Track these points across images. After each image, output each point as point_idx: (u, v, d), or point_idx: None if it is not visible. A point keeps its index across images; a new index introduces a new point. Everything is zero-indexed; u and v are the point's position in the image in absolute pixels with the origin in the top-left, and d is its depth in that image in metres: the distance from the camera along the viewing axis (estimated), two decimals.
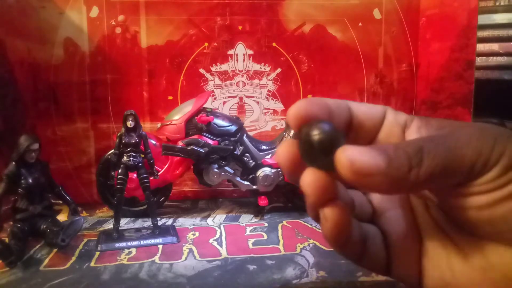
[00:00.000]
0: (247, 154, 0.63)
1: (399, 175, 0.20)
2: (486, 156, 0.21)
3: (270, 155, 0.63)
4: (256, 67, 0.72)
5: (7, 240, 0.48)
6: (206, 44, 0.70)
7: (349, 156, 0.20)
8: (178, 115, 0.61)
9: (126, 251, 0.51)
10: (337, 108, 0.25)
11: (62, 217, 0.62)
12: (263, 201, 0.64)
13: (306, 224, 0.60)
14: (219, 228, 0.59)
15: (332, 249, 0.50)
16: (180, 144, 0.60)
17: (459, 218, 0.23)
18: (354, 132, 0.26)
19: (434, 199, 0.25)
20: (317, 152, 0.20)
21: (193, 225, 0.60)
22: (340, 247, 0.25)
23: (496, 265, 0.23)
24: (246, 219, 0.63)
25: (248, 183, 0.63)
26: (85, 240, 0.54)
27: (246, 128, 0.66)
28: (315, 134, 0.20)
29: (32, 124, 0.67)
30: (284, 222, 0.61)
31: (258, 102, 0.73)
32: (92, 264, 0.48)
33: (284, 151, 0.23)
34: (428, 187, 0.24)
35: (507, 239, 0.22)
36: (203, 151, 0.59)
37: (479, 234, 0.23)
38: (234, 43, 0.71)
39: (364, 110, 0.26)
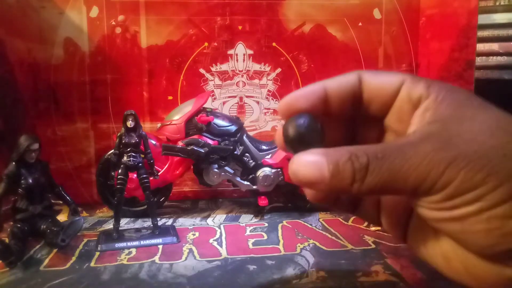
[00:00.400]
0: (247, 154, 0.63)
1: (342, 186, 0.22)
2: (432, 181, 0.21)
3: (270, 155, 0.63)
4: (256, 67, 0.72)
5: (7, 240, 0.48)
6: (206, 44, 0.70)
7: (293, 168, 0.22)
8: (178, 115, 0.61)
9: (126, 251, 0.51)
10: (338, 87, 0.25)
11: (62, 217, 0.62)
12: (263, 201, 0.64)
13: (306, 224, 0.60)
14: (219, 228, 0.59)
15: (332, 249, 0.51)
16: (180, 144, 0.60)
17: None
18: (365, 106, 0.26)
19: None
20: (288, 146, 0.24)
21: (193, 225, 0.60)
22: (328, 207, 0.27)
23: (453, 256, 0.24)
24: (246, 219, 0.63)
25: (248, 183, 0.63)
26: (85, 240, 0.54)
27: (246, 128, 0.66)
28: (287, 134, 0.24)
29: (32, 124, 0.67)
30: (284, 222, 0.61)
31: (258, 102, 0.73)
32: (92, 264, 0.47)
33: (278, 135, 0.26)
34: (372, 196, 0.26)
35: (459, 243, 0.23)
36: (203, 151, 0.59)
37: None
38: (234, 43, 0.71)
39: (377, 83, 0.26)
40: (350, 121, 0.28)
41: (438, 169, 0.20)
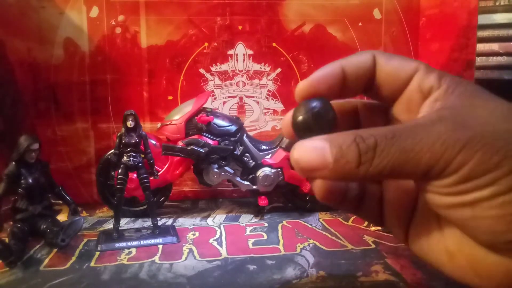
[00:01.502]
0: (247, 154, 0.63)
1: (347, 170, 0.21)
2: (446, 163, 0.20)
3: (270, 155, 0.63)
4: (256, 67, 0.72)
5: (7, 240, 0.48)
6: (206, 44, 0.70)
7: (294, 156, 0.22)
8: (178, 115, 0.61)
9: (126, 251, 0.51)
10: (355, 69, 0.25)
11: (62, 217, 0.61)
12: (263, 201, 0.64)
13: (306, 224, 0.60)
14: (219, 228, 0.59)
15: (332, 249, 0.51)
16: (180, 144, 0.60)
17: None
18: (375, 90, 0.25)
19: None
20: (295, 132, 0.23)
21: (193, 225, 0.60)
22: (334, 206, 0.26)
23: (457, 252, 0.23)
24: (246, 219, 0.63)
25: (248, 183, 0.63)
26: (85, 240, 0.54)
27: (246, 128, 0.66)
28: (296, 118, 0.23)
29: (32, 124, 0.67)
30: (284, 222, 0.61)
31: (258, 102, 0.73)
32: (92, 264, 0.47)
33: (285, 122, 0.26)
34: (381, 180, 0.25)
35: (467, 232, 0.22)
36: (203, 151, 0.59)
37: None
38: (234, 43, 0.71)
39: (390, 68, 0.25)
40: (356, 107, 0.27)
41: (453, 149, 0.20)
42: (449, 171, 0.20)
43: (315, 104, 0.23)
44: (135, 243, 0.53)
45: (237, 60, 0.71)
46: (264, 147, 0.64)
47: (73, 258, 0.49)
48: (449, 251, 0.24)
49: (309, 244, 0.52)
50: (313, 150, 0.21)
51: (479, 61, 0.83)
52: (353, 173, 0.21)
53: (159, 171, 0.61)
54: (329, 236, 0.55)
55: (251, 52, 0.71)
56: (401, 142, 0.20)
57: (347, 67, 0.25)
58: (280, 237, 0.55)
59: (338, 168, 0.21)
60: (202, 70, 0.71)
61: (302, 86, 0.25)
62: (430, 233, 0.25)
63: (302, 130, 0.22)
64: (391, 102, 0.26)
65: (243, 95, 0.72)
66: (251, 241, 0.54)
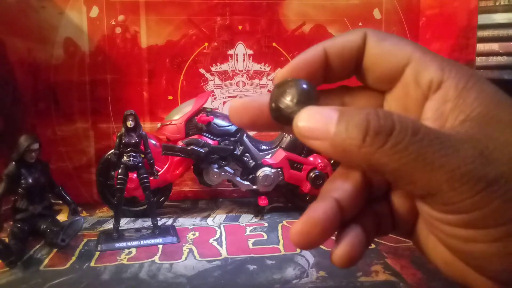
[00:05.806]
0: (247, 154, 0.63)
1: (347, 147, 0.17)
2: (457, 198, 0.17)
3: (270, 155, 0.63)
4: (256, 67, 0.72)
5: (7, 240, 0.48)
6: (206, 44, 0.70)
7: (296, 119, 0.18)
8: (178, 115, 0.61)
9: (126, 251, 0.51)
10: (341, 51, 0.21)
11: (62, 217, 0.62)
12: (263, 201, 0.64)
13: None
14: (219, 228, 0.59)
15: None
16: (180, 144, 0.60)
17: None
18: (363, 75, 0.22)
19: None
20: (272, 108, 0.20)
21: (193, 225, 0.60)
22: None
23: (452, 263, 0.21)
24: (246, 219, 0.63)
25: (248, 183, 0.63)
26: (85, 240, 0.54)
27: None
28: (274, 93, 0.20)
29: (32, 124, 0.67)
30: (284, 222, 0.61)
31: None
32: (92, 264, 0.48)
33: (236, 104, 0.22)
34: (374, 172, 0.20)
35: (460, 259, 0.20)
36: (203, 151, 0.59)
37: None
38: (234, 43, 0.71)
39: (378, 53, 0.21)
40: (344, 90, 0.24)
41: (473, 188, 0.16)
42: (454, 209, 0.16)
43: (296, 84, 0.20)
44: (135, 243, 0.53)
45: (237, 60, 0.71)
46: (264, 147, 0.64)
47: (73, 258, 0.49)
48: (445, 260, 0.22)
49: None
50: (317, 116, 0.18)
51: (479, 61, 0.83)
52: (352, 154, 0.17)
53: (159, 171, 0.61)
54: None
55: (251, 52, 0.71)
56: (423, 144, 0.16)
57: (331, 49, 0.22)
58: (280, 237, 0.55)
59: (337, 142, 0.17)
60: (202, 70, 0.71)
61: (280, 74, 0.22)
62: (428, 239, 0.22)
63: (281, 111, 0.20)
64: (382, 91, 0.22)
65: (243, 95, 0.72)
66: (251, 241, 0.54)
